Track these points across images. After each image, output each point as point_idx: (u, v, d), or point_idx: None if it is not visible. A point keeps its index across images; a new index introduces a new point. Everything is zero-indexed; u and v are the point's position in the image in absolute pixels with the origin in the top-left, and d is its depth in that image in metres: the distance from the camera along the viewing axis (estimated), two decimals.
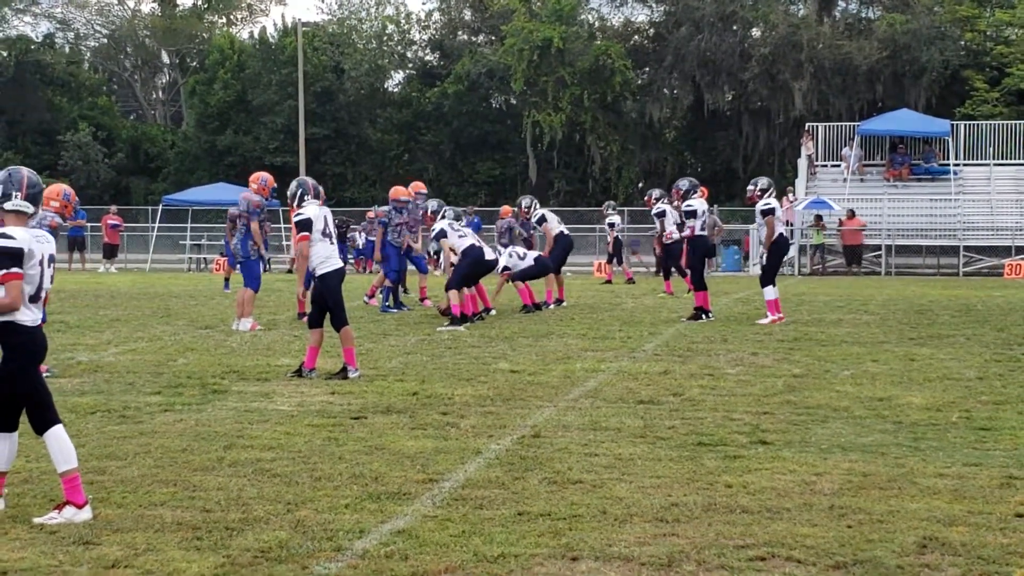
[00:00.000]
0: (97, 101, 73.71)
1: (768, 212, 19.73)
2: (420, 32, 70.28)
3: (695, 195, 20.72)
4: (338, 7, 70.23)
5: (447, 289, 18.97)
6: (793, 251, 41.22)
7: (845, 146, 46.35)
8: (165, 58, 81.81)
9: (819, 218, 40.84)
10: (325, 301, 13.11)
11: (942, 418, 10.40)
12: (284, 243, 47.17)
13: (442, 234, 19.27)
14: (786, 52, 58.01)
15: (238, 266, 19.17)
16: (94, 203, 54.99)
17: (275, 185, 19.78)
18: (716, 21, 59.73)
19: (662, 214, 25.39)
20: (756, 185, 20.42)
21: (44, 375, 12.64)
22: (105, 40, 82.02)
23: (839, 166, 46.19)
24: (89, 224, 44.07)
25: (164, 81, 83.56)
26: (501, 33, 61.99)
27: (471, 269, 19.13)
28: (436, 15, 69.29)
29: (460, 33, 69.36)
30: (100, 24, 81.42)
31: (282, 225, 47.74)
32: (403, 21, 69.53)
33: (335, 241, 13.41)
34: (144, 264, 45.57)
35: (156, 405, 11.00)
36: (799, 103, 58.03)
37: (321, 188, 13.73)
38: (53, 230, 13.36)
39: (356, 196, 59.72)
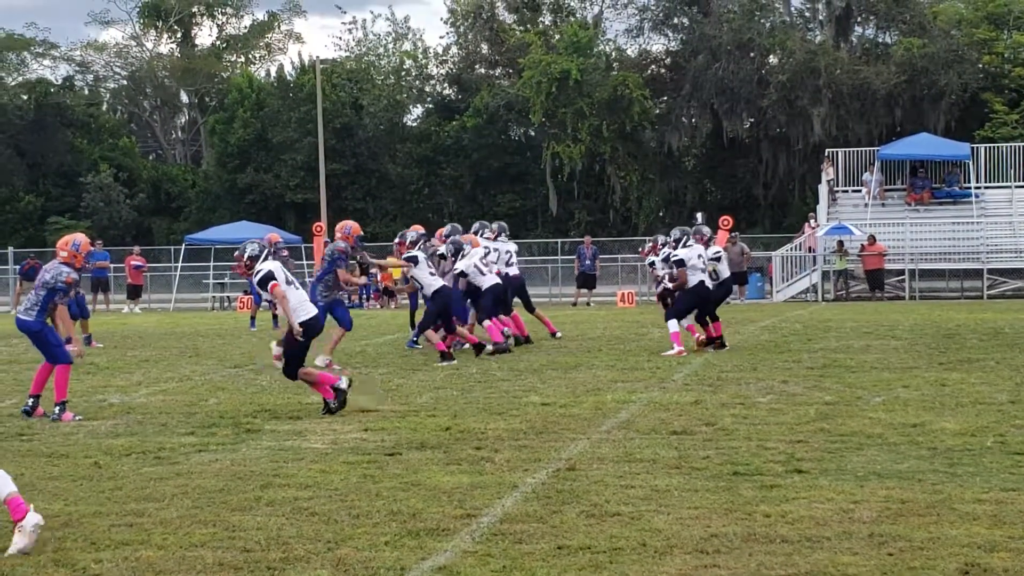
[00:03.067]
0: (118, 142, 74.04)
1: (679, 264, 19.38)
2: (438, 66, 70.56)
3: (687, 244, 19.68)
4: (356, 44, 70.61)
5: (421, 331, 19.13)
6: (816, 277, 41.20)
7: (865, 171, 46.34)
8: (184, 98, 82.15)
9: (841, 244, 40.78)
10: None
11: (977, 443, 10.37)
12: (307, 280, 47.20)
13: (413, 260, 19.00)
14: (804, 78, 57.99)
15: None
16: (116, 244, 55.15)
17: (360, 232, 19.98)
18: (733, 49, 59.76)
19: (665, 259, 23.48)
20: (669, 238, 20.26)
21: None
22: (124, 81, 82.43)
23: (860, 191, 46.16)
24: (112, 265, 44.22)
25: (183, 121, 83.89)
26: (519, 66, 62.15)
27: (442, 308, 19.02)
28: (453, 49, 69.51)
29: (478, 67, 69.54)
30: (119, 66, 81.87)
31: (304, 262, 47.87)
32: (421, 56, 69.79)
33: (299, 288, 13.61)
34: (168, 304, 45.72)
35: (191, 445, 11.03)
36: (818, 129, 57.99)
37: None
38: (69, 285, 13.43)
39: (378, 231, 59.78)
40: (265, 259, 13.29)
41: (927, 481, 8.86)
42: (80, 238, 13.74)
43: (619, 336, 23.62)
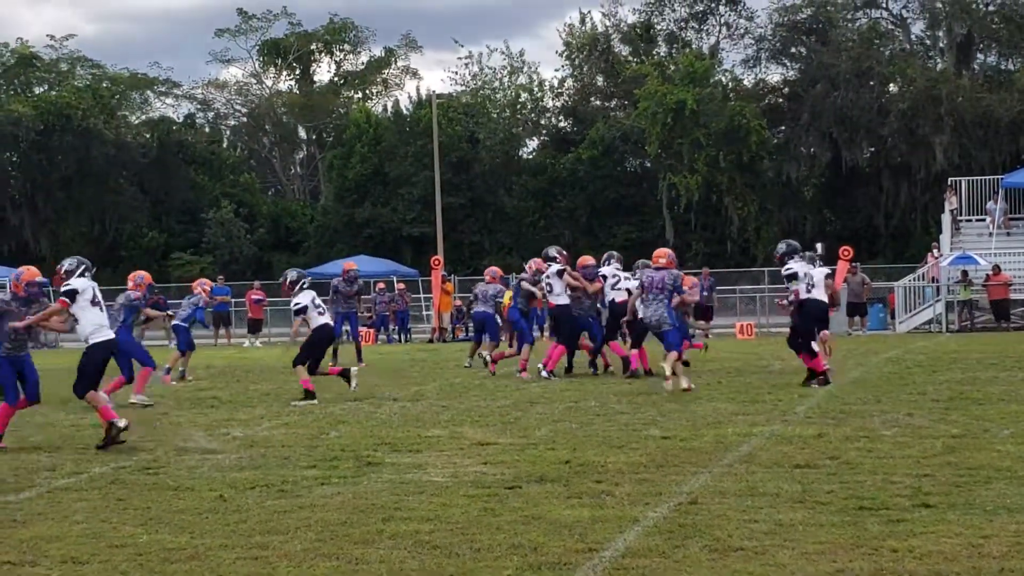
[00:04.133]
0: (238, 178, 75.20)
1: (791, 277, 19.38)
2: (553, 99, 70.74)
3: (793, 258, 19.58)
4: (471, 78, 71.02)
5: (294, 365, 19.38)
6: (940, 308, 40.58)
7: (989, 200, 45.65)
8: (303, 134, 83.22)
9: (965, 274, 40.15)
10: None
11: None
12: (424, 313, 47.55)
13: (302, 310, 19.18)
14: (925, 106, 57.35)
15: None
16: (238, 279, 55.93)
17: (151, 281, 21.18)
18: (852, 77, 59.29)
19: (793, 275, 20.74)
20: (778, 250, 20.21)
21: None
22: (244, 119, 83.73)
23: (984, 220, 45.48)
24: (233, 300, 44.81)
25: (302, 156, 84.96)
26: (634, 97, 62.12)
27: (317, 348, 19.56)
28: (569, 82, 69.70)
29: (593, 99, 69.67)
30: (239, 103, 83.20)
31: (421, 295, 48.14)
32: (536, 89, 70.03)
33: (104, 310, 14.56)
34: (287, 337, 46.11)
35: (313, 479, 11.10)
36: (940, 157, 57.28)
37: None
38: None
39: (493, 263, 59.95)
40: (81, 275, 14.46)
41: None
42: (22, 270, 14.40)
43: (739, 368, 23.43)
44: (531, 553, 7.98)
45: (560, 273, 21.62)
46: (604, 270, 22.60)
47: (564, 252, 22.36)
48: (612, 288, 22.33)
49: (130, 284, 20.35)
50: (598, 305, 22.72)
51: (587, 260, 22.75)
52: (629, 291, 21.33)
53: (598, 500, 9.71)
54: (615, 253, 23.75)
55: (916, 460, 11.20)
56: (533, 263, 23.19)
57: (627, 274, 22.64)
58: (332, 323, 20.74)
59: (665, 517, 8.97)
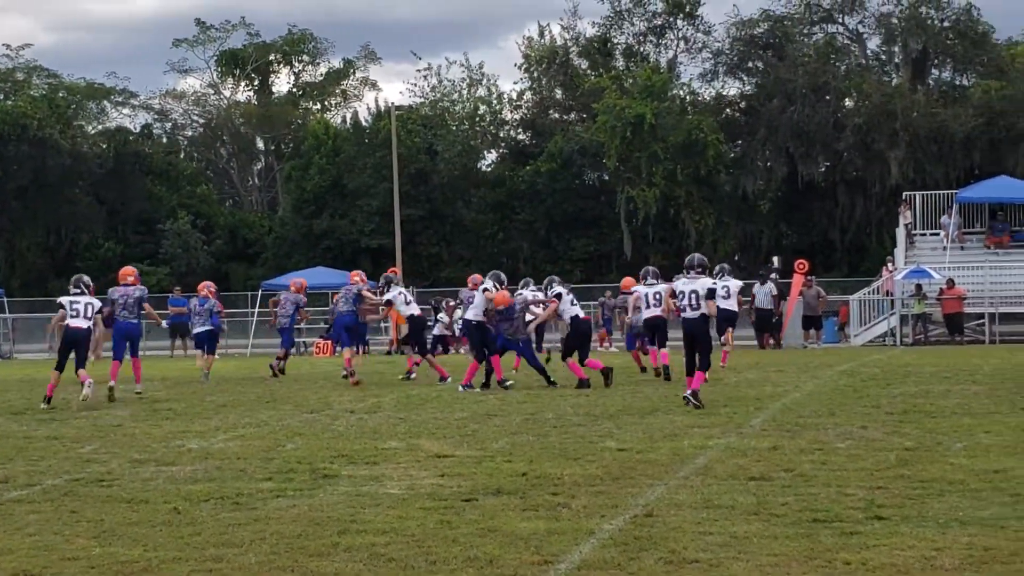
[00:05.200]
0: (196, 189, 74.93)
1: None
2: (512, 112, 70.77)
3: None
4: (430, 89, 70.99)
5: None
6: (894, 321, 40.85)
7: (943, 214, 45.97)
8: (261, 145, 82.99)
9: (919, 287, 40.44)
10: None
11: None
12: (382, 325, 47.47)
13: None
14: (880, 121, 57.71)
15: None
16: (195, 290, 55.54)
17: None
18: (808, 92, 59.60)
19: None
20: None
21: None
22: (202, 129, 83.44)
23: (938, 234, 45.80)
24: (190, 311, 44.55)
25: (260, 167, 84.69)
26: (592, 111, 62.27)
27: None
28: (528, 95, 69.78)
29: (552, 112, 69.75)
30: (197, 114, 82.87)
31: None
32: (495, 101, 70.08)
33: None
34: (244, 349, 46.04)
35: (268, 491, 11.07)
36: (895, 172, 57.63)
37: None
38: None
39: (452, 276, 59.96)
40: None
41: (1010, 528, 8.74)
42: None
43: None
44: (487, 566, 7.98)
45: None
46: (558, 288, 23.53)
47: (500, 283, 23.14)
48: (571, 305, 23.36)
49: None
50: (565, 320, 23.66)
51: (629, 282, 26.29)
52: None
53: (554, 512, 9.72)
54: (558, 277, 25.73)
55: (870, 472, 11.27)
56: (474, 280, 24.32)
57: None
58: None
59: (621, 529, 8.99)
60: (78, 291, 21.03)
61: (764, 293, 38.53)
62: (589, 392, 20.99)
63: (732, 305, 26.09)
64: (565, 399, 19.72)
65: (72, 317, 20.73)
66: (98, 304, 21.48)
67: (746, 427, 15.17)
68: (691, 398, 17.63)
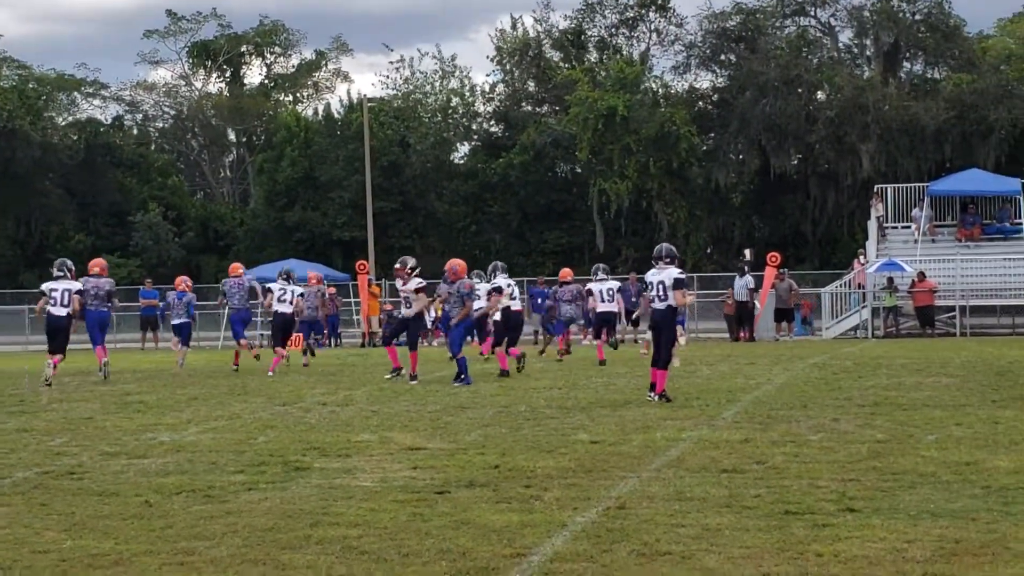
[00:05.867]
0: (166, 181, 74.69)
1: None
2: (484, 104, 70.82)
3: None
4: (403, 82, 70.92)
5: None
6: (866, 314, 40.99)
7: (915, 207, 46.15)
8: (232, 137, 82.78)
9: (891, 280, 40.57)
10: None
11: None
12: (355, 317, 47.43)
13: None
14: (852, 114, 57.90)
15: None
16: (166, 282, 55.18)
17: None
18: (780, 85, 59.75)
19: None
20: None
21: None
22: (172, 121, 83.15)
23: (909, 227, 45.98)
24: (161, 303, 44.38)
25: (231, 159, 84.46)
26: (565, 103, 62.29)
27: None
28: (500, 87, 69.79)
29: (524, 104, 69.77)
30: (168, 105, 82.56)
31: (352, 299, 48.02)
32: (467, 94, 70.05)
33: None
34: (216, 342, 45.90)
35: (240, 484, 11.02)
36: (867, 165, 57.84)
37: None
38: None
39: (425, 268, 59.85)
40: None
41: (981, 520, 8.76)
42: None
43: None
44: (460, 558, 7.96)
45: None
46: (499, 281, 25.07)
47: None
48: (509, 298, 24.97)
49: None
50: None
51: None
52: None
53: (527, 505, 9.71)
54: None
55: (842, 465, 11.29)
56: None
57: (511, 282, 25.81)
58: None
59: (593, 522, 8.98)
60: (61, 274, 22.41)
61: (741, 285, 38.67)
62: (560, 387, 20.98)
63: (612, 307, 27.32)
64: (538, 392, 19.73)
65: (51, 305, 22.11)
66: (77, 286, 22.80)
67: (718, 419, 15.19)
68: (658, 399, 17.59)
